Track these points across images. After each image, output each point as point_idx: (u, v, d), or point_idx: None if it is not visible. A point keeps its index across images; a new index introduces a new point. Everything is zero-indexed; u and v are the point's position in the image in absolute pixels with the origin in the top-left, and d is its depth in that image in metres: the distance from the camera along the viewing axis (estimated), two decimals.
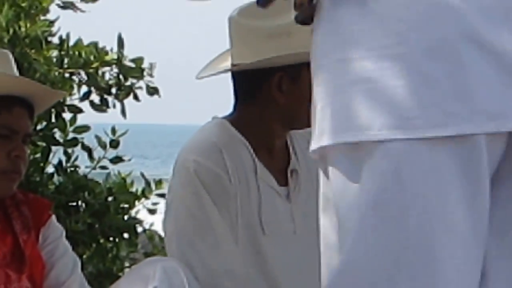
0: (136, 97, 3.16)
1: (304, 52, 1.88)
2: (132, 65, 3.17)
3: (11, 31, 3.04)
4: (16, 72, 2.32)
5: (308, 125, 1.45)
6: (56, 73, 3.12)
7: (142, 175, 3.51)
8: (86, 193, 3.26)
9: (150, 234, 3.58)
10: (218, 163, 2.38)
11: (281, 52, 2.39)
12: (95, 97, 3.18)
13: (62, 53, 3.20)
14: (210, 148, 2.39)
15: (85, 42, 3.18)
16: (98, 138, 3.28)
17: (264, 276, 2.45)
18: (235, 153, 2.43)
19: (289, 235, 2.48)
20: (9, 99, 2.21)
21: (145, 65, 3.21)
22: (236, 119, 2.45)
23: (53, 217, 2.35)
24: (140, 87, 3.18)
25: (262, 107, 2.41)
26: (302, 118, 2.26)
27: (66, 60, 3.19)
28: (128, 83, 3.20)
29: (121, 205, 3.30)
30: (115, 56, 3.20)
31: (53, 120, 3.07)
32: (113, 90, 3.22)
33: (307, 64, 1.28)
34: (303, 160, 2.56)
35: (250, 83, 2.38)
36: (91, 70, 3.18)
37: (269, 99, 2.35)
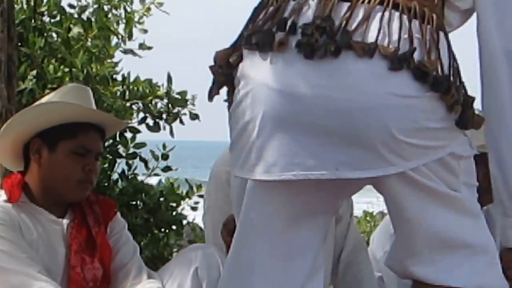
0: (181, 121, 3.77)
1: None
2: (178, 96, 3.76)
3: (85, 71, 3.55)
4: (93, 104, 2.71)
5: None
6: (120, 104, 3.65)
7: (186, 180, 4.18)
8: (143, 195, 3.82)
9: (193, 226, 4.29)
10: None
11: None
12: (150, 121, 3.73)
13: (124, 88, 3.75)
14: None
15: (142, 79, 3.75)
16: (152, 152, 3.86)
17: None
18: None
19: None
20: (86, 125, 2.57)
21: (188, 96, 3.76)
22: None
23: (118, 213, 2.75)
24: (184, 114, 3.76)
25: None
26: None
27: (127, 93, 3.74)
28: (175, 111, 3.76)
29: (170, 204, 3.86)
30: (165, 90, 3.74)
31: (118, 138, 3.58)
32: (164, 116, 3.78)
33: None
34: None
35: None
36: (146, 101, 3.73)
37: None
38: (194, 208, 4.07)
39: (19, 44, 3.50)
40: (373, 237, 3.43)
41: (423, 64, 1.50)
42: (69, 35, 3.71)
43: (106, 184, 3.72)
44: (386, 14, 1.53)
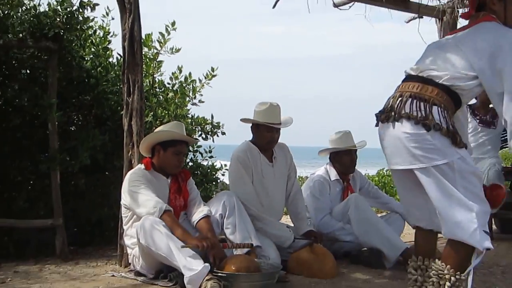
0: (217, 135, 5.89)
1: None
2: (216, 124, 5.88)
3: (173, 114, 5.52)
4: (184, 131, 4.19)
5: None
6: (191, 128, 5.60)
7: (220, 163, 6.13)
8: (200, 168, 5.91)
9: (222, 183, 6.27)
10: (246, 155, 4.45)
11: None
12: (203, 135, 5.87)
13: (192, 120, 5.79)
14: (243, 149, 4.49)
15: (200, 116, 5.89)
16: (204, 150, 6.00)
17: (263, 196, 4.54)
18: (251, 151, 4.49)
19: (272, 178, 4.59)
20: (180, 141, 4.09)
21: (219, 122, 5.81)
22: (252, 140, 4.56)
23: (191, 177, 4.31)
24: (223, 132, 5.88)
25: (257, 137, 4.53)
26: (266, 145, 4.53)
27: (193, 123, 5.81)
28: (214, 130, 5.85)
29: (212, 172, 6.00)
30: (209, 121, 5.81)
31: None
32: (209, 133, 5.90)
33: None
34: (278, 153, 4.67)
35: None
36: (202, 126, 5.82)
37: (259, 136, 4.51)
38: (223, 174, 6.04)
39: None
40: (302, 187, 5.08)
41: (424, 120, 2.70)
42: (168, 96, 5.73)
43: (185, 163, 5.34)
44: (410, 100, 2.80)
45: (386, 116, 2.85)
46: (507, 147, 7.22)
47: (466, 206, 2.67)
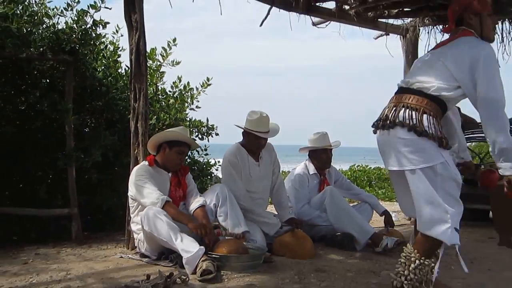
0: (211, 136, 5.94)
1: None
2: (210, 126, 5.86)
3: (174, 117, 5.49)
4: (188, 133, 4.34)
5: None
6: (189, 129, 5.48)
7: (214, 159, 6.12)
8: (197, 164, 5.94)
9: (216, 176, 6.24)
10: (235, 157, 4.49)
11: None
12: (199, 136, 5.89)
13: (190, 123, 5.78)
14: (233, 152, 4.51)
15: (198, 119, 5.85)
16: (200, 148, 5.85)
17: (251, 191, 4.54)
18: (241, 153, 4.51)
19: (258, 175, 4.59)
20: (184, 142, 4.11)
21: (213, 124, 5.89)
22: (242, 142, 4.57)
23: (189, 172, 4.35)
24: (216, 133, 5.89)
25: (246, 142, 4.53)
26: (254, 150, 4.56)
27: (191, 125, 5.78)
28: (209, 132, 5.84)
29: (207, 168, 6.03)
30: (205, 123, 5.81)
31: None
32: (205, 134, 5.89)
33: None
34: (264, 153, 4.64)
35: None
36: (198, 128, 5.80)
37: (248, 141, 4.51)
38: (216, 170, 6.09)
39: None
40: (285, 180, 5.07)
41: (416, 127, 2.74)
42: (169, 102, 5.72)
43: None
44: (403, 109, 2.82)
45: (382, 124, 2.88)
46: None
47: (442, 208, 2.72)
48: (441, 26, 6.79)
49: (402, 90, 2.93)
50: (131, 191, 4.05)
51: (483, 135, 6.57)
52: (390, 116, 2.85)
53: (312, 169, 5.19)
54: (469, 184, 6.62)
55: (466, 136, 6.71)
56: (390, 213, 5.20)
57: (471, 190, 6.43)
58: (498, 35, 6.53)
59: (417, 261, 2.81)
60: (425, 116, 2.76)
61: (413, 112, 2.78)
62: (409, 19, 7.02)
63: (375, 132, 3.00)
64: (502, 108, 2.72)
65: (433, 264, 2.84)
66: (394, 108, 2.86)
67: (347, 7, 6.33)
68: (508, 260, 4.33)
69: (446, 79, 2.81)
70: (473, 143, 7.39)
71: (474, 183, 6.64)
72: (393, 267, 3.66)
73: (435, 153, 2.74)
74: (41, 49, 4.76)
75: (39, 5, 4.97)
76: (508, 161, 2.69)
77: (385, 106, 2.99)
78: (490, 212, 5.96)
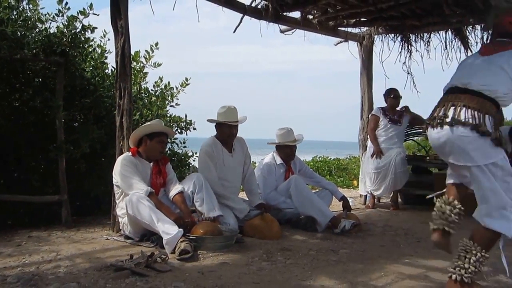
0: (190, 130, 5.81)
1: None
2: (189, 121, 5.77)
3: (156, 113, 5.41)
4: (163, 125, 4.30)
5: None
6: (169, 125, 5.53)
7: (191, 151, 6.07)
8: (176, 156, 5.85)
9: (193, 166, 6.06)
10: (211, 148, 4.56)
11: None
12: (179, 130, 5.75)
13: (171, 118, 5.70)
14: (209, 144, 4.59)
15: (177, 115, 5.72)
16: (179, 141, 5.97)
17: (225, 179, 4.53)
18: (216, 145, 4.58)
19: (231, 165, 4.59)
20: (163, 132, 4.13)
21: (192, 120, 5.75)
22: (216, 136, 4.55)
23: (169, 162, 4.32)
24: (190, 127, 5.80)
25: (219, 133, 4.54)
26: (227, 139, 4.53)
27: (171, 120, 5.68)
28: (187, 126, 5.77)
29: (185, 159, 5.93)
30: (183, 119, 5.73)
31: None
32: (183, 128, 5.80)
33: None
34: (236, 146, 4.64)
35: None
36: (178, 123, 5.70)
37: (221, 132, 4.49)
38: (193, 160, 6.00)
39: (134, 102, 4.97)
40: (255, 169, 5.06)
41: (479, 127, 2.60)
42: (151, 100, 5.64)
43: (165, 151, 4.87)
44: (464, 109, 2.68)
45: (441, 122, 2.73)
46: (409, 139, 7.38)
47: (505, 201, 2.58)
48: (392, 35, 6.97)
49: (458, 90, 2.79)
50: (117, 179, 4.00)
51: None
52: (449, 114, 2.71)
53: (279, 160, 5.19)
54: (417, 173, 6.81)
55: (414, 131, 6.89)
56: (348, 198, 5.25)
57: (418, 178, 6.63)
58: (442, 43, 6.74)
59: (478, 254, 2.62)
60: (487, 116, 2.66)
61: (475, 112, 2.66)
62: (365, 28, 7.11)
63: (426, 129, 2.87)
64: None
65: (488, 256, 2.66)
66: (453, 107, 2.72)
67: (311, 16, 6.44)
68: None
69: (507, 86, 2.71)
70: (419, 138, 7.56)
71: (421, 172, 6.84)
72: (350, 246, 3.90)
73: (496, 149, 2.64)
74: (34, 51, 4.70)
75: (33, 11, 4.89)
76: None
77: (437, 104, 2.85)
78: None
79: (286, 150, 5.14)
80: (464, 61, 3.03)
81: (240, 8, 5.62)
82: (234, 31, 5.74)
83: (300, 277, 2.97)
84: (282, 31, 6.66)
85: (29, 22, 4.76)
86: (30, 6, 4.85)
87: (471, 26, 6.51)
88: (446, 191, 2.88)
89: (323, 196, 5.13)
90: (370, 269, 3.21)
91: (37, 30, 4.84)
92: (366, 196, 6.76)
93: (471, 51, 6.67)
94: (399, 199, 6.69)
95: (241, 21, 5.68)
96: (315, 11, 6.29)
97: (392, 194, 6.51)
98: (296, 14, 6.31)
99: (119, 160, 4.00)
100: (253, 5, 5.79)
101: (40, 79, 5.02)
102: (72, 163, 4.89)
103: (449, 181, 2.91)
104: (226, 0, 5.37)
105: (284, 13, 6.11)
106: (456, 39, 6.75)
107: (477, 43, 6.61)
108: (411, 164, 6.75)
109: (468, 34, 6.71)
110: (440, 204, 2.78)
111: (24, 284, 2.72)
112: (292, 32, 6.70)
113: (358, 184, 7.35)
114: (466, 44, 6.73)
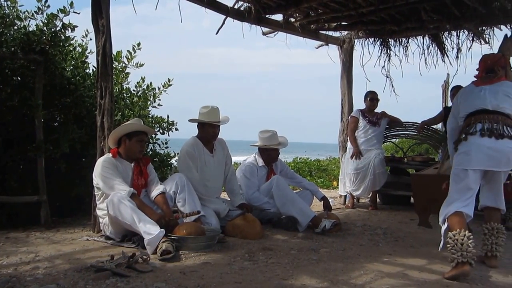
0: (172, 131, 5.71)
1: None
2: (171, 122, 5.67)
3: (138, 113, 5.33)
4: (142, 124, 4.14)
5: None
6: (151, 125, 5.43)
7: (173, 152, 5.90)
8: (158, 156, 5.77)
9: (175, 167, 5.92)
10: (192, 149, 4.50)
11: None
12: (160, 131, 5.66)
13: (152, 119, 5.61)
14: (191, 144, 4.53)
15: (159, 115, 5.63)
16: (161, 142, 5.85)
17: (206, 179, 4.48)
18: (197, 145, 4.55)
19: (213, 165, 4.64)
20: (142, 132, 4.02)
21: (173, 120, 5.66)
22: (198, 135, 4.49)
23: (150, 162, 4.22)
24: (172, 128, 5.71)
25: (202, 133, 4.55)
26: (210, 139, 4.49)
27: (152, 121, 5.59)
28: (170, 127, 5.68)
29: (167, 159, 5.83)
30: (166, 120, 5.63)
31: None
32: (165, 129, 5.70)
33: None
34: (217, 147, 4.69)
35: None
36: (160, 123, 5.61)
37: (204, 132, 4.45)
38: (175, 161, 5.76)
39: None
40: (237, 170, 5.09)
41: None
42: (133, 100, 5.54)
43: (146, 152, 5.43)
44: (504, 126, 3.31)
45: (491, 134, 3.26)
46: (388, 141, 7.45)
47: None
48: (372, 39, 7.04)
49: (493, 112, 3.35)
50: (97, 182, 3.91)
51: (406, 132, 6.98)
52: (495, 129, 3.27)
53: (260, 161, 5.17)
54: (395, 174, 6.88)
55: (392, 133, 6.95)
56: (328, 198, 5.25)
57: (396, 179, 6.70)
58: (420, 48, 6.88)
59: (501, 230, 3.40)
60: None
61: (510, 128, 3.30)
62: (346, 32, 7.16)
63: (466, 137, 3.40)
64: None
65: None
66: (496, 124, 3.28)
67: (292, 19, 6.46)
68: (426, 237, 4.45)
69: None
70: (397, 139, 7.65)
71: (399, 173, 6.90)
72: (331, 246, 3.89)
73: None
74: (13, 49, 4.56)
75: (11, 8, 4.75)
76: None
77: (479, 119, 3.37)
78: (411, 198, 6.05)
79: (271, 153, 5.13)
80: (469, 90, 3.57)
81: (223, 10, 5.60)
82: (217, 33, 5.71)
83: (281, 276, 2.95)
84: (264, 33, 6.67)
85: (7, 20, 4.64)
86: (9, 3, 4.73)
87: (447, 32, 6.65)
88: (451, 222, 3.18)
89: (304, 196, 5.12)
90: (350, 268, 3.22)
91: (16, 27, 4.71)
92: (345, 196, 6.81)
93: (447, 56, 6.87)
94: (378, 199, 6.74)
95: (223, 23, 5.65)
96: (297, 14, 6.31)
97: (371, 194, 6.55)
98: (278, 17, 6.32)
99: (99, 162, 3.91)
100: (235, 7, 5.78)
101: (19, 78, 4.88)
102: (52, 163, 4.78)
103: (451, 210, 3.24)
104: (209, 1, 5.34)
105: (267, 16, 6.11)
106: (433, 45, 6.88)
107: (453, 48, 6.79)
108: (390, 165, 6.82)
109: (444, 39, 6.85)
110: (456, 236, 3.12)
111: (1, 286, 2.63)
112: (274, 35, 6.71)
113: (338, 185, 7.38)
114: (442, 50, 6.87)
